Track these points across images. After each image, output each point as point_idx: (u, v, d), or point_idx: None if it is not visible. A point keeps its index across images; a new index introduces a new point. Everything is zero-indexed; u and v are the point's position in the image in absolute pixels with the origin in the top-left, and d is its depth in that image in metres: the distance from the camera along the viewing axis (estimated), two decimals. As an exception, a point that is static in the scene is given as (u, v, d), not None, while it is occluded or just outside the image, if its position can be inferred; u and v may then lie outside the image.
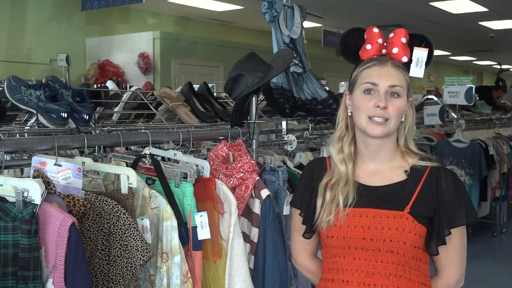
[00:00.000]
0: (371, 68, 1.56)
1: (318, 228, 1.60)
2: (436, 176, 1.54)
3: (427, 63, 1.62)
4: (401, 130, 1.60)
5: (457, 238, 1.54)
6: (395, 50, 1.59)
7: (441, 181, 1.54)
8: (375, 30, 1.63)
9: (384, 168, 1.59)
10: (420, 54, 1.60)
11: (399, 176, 1.57)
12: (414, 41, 1.63)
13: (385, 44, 1.62)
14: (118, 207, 1.66)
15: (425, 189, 1.54)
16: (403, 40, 1.59)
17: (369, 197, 1.55)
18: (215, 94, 3.52)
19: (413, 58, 1.60)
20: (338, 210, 1.54)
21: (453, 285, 1.59)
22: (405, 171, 1.57)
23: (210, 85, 3.33)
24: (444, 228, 1.51)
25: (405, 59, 1.58)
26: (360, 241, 1.51)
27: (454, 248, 1.55)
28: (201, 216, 1.88)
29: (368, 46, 1.62)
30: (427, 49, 1.61)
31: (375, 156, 1.60)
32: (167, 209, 1.80)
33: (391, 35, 1.62)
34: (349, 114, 1.61)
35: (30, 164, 1.72)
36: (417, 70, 1.60)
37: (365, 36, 1.65)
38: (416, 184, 1.55)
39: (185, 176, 1.93)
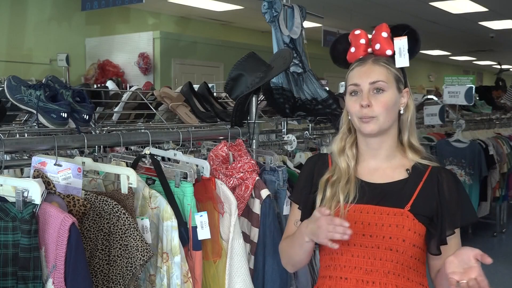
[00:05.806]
0: (353, 70, 1.59)
1: None
2: (438, 177, 1.56)
3: (414, 51, 1.60)
4: (404, 124, 1.61)
5: (457, 239, 1.55)
6: (377, 46, 1.60)
7: (442, 182, 1.55)
8: (357, 32, 1.64)
9: (385, 166, 1.60)
10: (400, 43, 1.59)
11: (400, 174, 1.58)
12: (398, 32, 1.62)
13: (370, 43, 1.63)
14: (118, 207, 1.66)
15: (426, 188, 1.55)
16: (384, 34, 1.60)
17: (369, 193, 1.55)
18: (215, 94, 3.52)
19: (395, 49, 1.59)
20: (338, 207, 1.54)
21: None
22: (407, 170, 1.58)
23: (210, 85, 3.33)
24: (446, 229, 1.51)
25: (389, 52, 1.58)
26: (360, 237, 1.51)
27: (457, 248, 1.55)
28: (201, 216, 1.88)
29: (352, 49, 1.63)
30: (406, 36, 1.60)
31: (375, 154, 1.60)
32: (167, 209, 1.80)
33: (373, 32, 1.63)
34: (350, 117, 1.62)
35: (30, 164, 1.72)
36: (402, 60, 1.58)
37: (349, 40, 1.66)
38: (417, 183, 1.55)
39: (185, 176, 1.93)
